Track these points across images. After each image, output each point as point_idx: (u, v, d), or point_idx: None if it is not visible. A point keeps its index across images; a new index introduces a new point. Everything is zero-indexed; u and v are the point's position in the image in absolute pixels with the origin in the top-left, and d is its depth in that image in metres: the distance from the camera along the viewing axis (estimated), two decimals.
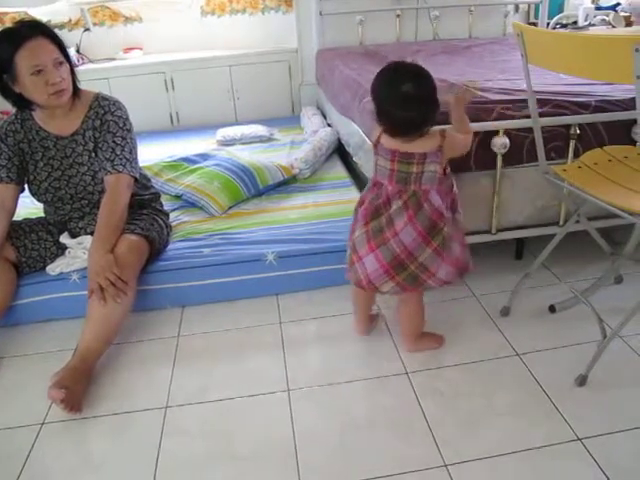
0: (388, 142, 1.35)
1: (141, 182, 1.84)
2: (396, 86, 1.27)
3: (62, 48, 1.60)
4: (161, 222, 1.88)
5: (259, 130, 3.06)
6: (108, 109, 1.70)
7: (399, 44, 3.34)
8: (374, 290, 1.44)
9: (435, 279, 1.40)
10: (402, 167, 1.33)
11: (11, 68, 1.52)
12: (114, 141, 1.68)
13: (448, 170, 1.39)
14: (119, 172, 1.68)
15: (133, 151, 1.75)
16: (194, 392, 1.45)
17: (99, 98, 1.72)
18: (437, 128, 1.35)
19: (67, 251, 1.77)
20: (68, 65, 1.62)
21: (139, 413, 1.40)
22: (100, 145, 1.69)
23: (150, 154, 2.64)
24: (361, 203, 1.44)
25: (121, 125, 1.70)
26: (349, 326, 1.67)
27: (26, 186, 1.75)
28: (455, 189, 1.42)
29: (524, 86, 1.50)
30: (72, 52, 3.17)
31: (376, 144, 1.38)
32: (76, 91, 1.67)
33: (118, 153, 1.68)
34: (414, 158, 1.32)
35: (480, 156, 1.66)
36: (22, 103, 1.62)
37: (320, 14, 3.24)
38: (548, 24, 3.31)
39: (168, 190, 2.32)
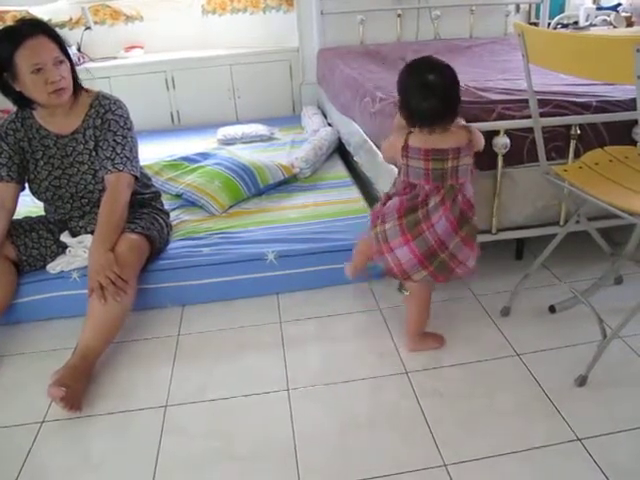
0: (417, 142, 1.35)
1: (142, 181, 1.84)
2: (421, 75, 1.31)
3: (62, 47, 1.60)
4: (161, 221, 1.88)
5: (260, 129, 3.06)
6: (109, 108, 1.70)
7: (400, 44, 3.34)
8: (406, 279, 1.45)
9: (463, 267, 1.43)
10: (437, 164, 1.34)
11: (11, 66, 1.52)
12: (115, 140, 1.68)
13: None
14: (119, 171, 1.68)
15: (134, 150, 1.75)
16: (194, 391, 1.46)
17: (100, 97, 1.72)
18: (460, 123, 1.40)
19: (67, 250, 1.77)
20: (69, 64, 1.62)
21: (139, 412, 1.40)
22: (101, 144, 1.69)
23: (150, 153, 2.64)
24: (388, 198, 1.45)
25: (122, 124, 1.70)
26: (349, 325, 1.67)
27: (26, 185, 1.75)
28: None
29: (525, 86, 1.50)
30: (73, 51, 3.18)
31: (405, 147, 1.36)
32: (77, 90, 1.67)
33: (119, 152, 1.68)
34: (448, 154, 1.34)
35: (481, 156, 1.65)
36: (22, 101, 1.62)
37: (321, 13, 3.25)
38: (549, 24, 3.31)
39: (168, 189, 2.32)
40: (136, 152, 1.77)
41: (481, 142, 1.43)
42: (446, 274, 1.43)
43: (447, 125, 1.34)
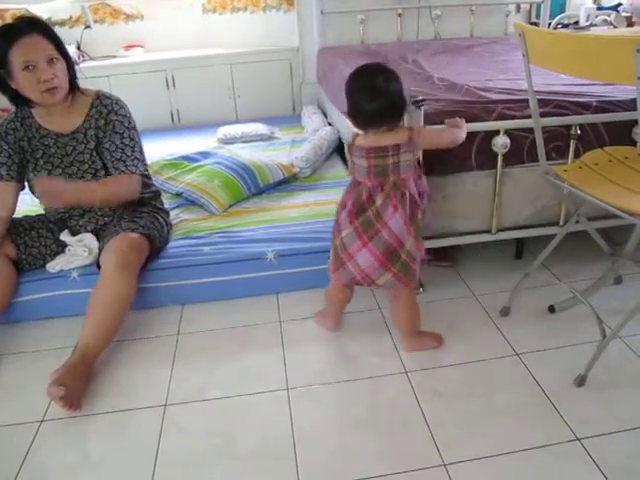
0: (362, 141, 1.41)
1: (142, 180, 1.84)
2: (366, 79, 1.37)
3: (59, 45, 1.59)
4: (161, 220, 1.88)
5: (260, 129, 3.06)
6: (112, 108, 1.70)
7: (400, 43, 3.34)
8: (370, 284, 1.46)
9: (416, 263, 1.45)
10: (378, 161, 1.38)
11: (6, 64, 1.53)
12: (122, 142, 1.70)
13: (420, 160, 1.49)
14: (132, 173, 1.71)
15: (141, 150, 1.78)
16: (193, 390, 1.46)
17: (100, 96, 1.71)
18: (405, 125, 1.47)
19: (67, 249, 1.77)
20: (65, 63, 1.61)
21: (138, 411, 1.40)
22: (107, 145, 1.69)
23: (150, 152, 2.60)
24: (343, 205, 1.47)
25: (126, 124, 1.71)
26: (349, 325, 1.67)
27: (26, 184, 1.75)
28: (426, 186, 1.48)
29: (525, 86, 1.50)
30: (72, 49, 3.17)
31: (350, 145, 1.43)
32: (74, 89, 1.66)
33: (129, 154, 1.70)
34: (388, 150, 1.37)
35: (481, 156, 1.66)
36: (19, 99, 1.62)
37: (321, 13, 3.24)
38: (549, 24, 3.31)
39: (168, 188, 2.32)
40: (143, 151, 1.80)
41: (438, 140, 1.46)
42: (410, 277, 1.43)
43: (392, 125, 1.39)
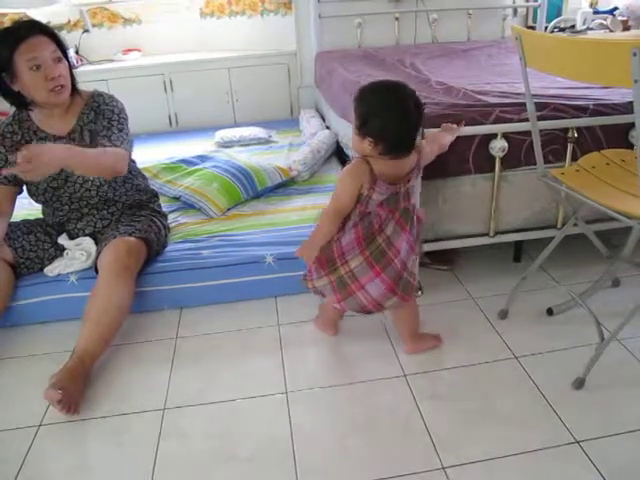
0: (382, 171, 1.28)
1: (140, 183, 1.84)
2: (400, 103, 1.24)
3: (61, 46, 1.60)
4: (159, 224, 1.88)
5: (258, 132, 3.06)
6: (102, 101, 1.71)
7: (398, 47, 3.35)
8: (380, 309, 1.43)
9: (414, 276, 1.44)
10: (392, 190, 1.31)
11: (10, 66, 1.53)
12: (110, 123, 1.68)
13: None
14: (116, 146, 1.64)
15: (128, 135, 1.72)
16: (192, 394, 1.45)
17: (95, 95, 1.72)
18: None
19: (65, 252, 1.76)
20: (67, 63, 1.62)
21: (137, 415, 1.39)
22: (96, 128, 1.68)
23: (149, 155, 2.64)
24: (338, 239, 1.36)
25: (117, 112, 1.70)
26: (347, 328, 1.67)
27: (24, 187, 1.75)
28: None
29: (522, 89, 1.50)
30: (71, 53, 3.17)
31: (373, 180, 1.27)
32: (75, 90, 1.67)
33: (115, 132, 1.67)
34: (401, 179, 1.31)
35: (478, 159, 1.67)
36: (21, 102, 1.62)
37: (319, 17, 3.25)
38: (546, 28, 3.33)
39: (166, 192, 2.32)
40: (129, 137, 1.73)
41: (430, 156, 1.43)
42: (410, 292, 1.43)
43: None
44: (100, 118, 1.68)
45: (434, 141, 1.49)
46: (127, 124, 1.74)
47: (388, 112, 1.23)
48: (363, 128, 1.25)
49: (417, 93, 1.28)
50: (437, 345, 1.56)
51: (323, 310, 1.63)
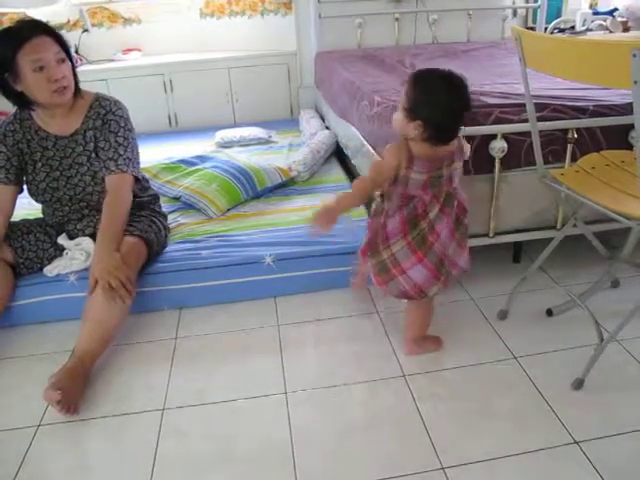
0: (420, 153, 1.30)
1: (140, 183, 1.84)
2: (461, 99, 1.25)
3: (64, 46, 1.60)
4: (159, 224, 1.88)
5: (257, 132, 3.06)
6: (109, 109, 1.70)
7: (398, 47, 3.35)
8: (423, 297, 1.43)
9: (457, 268, 1.45)
10: (435, 173, 1.31)
11: (13, 66, 1.52)
12: (116, 141, 1.69)
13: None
14: (123, 172, 1.68)
15: (135, 151, 1.75)
16: (191, 394, 1.45)
17: (99, 98, 1.72)
18: None
19: (65, 252, 1.76)
20: (70, 64, 1.62)
21: (136, 415, 1.39)
22: (102, 145, 1.69)
23: (148, 156, 2.62)
24: (386, 218, 1.38)
25: (122, 124, 1.70)
26: (347, 329, 1.67)
27: (25, 187, 1.75)
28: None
29: (522, 90, 1.50)
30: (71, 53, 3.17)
31: (410, 159, 1.29)
32: (77, 91, 1.67)
33: (121, 153, 1.68)
34: (444, 161, 1.31)
35: (478, 160, 1.67)
36: (23, 102, 1.62)
37: (319, 17, 3.25)
38: (546, 29, 3.33)
39: (166, 192, 2.32)
40: (137, 153, 1.78)
41: (467, 149, 1.42)
42: (450, 280, 1.44)
43: None
44: (106, 131, 1.68)
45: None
46: (133, 135, 1.75)
47: (446, 101, 1.24)
48: (415, 112, 1.25)
49: None
50: (437, 349, 1.56)
51: (359, 271, 1.62)
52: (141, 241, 1.71)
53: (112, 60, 3.43)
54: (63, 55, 1.58)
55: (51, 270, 1.74)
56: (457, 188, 1.38)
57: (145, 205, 1.89)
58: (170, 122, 3.49)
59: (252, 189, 2.30)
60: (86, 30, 3.41)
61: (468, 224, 1.43)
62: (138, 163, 1.78)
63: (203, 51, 3.55)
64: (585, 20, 3.14)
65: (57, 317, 1.76)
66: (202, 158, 2.54)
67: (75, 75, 1.65)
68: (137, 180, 1.77)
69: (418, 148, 1.30)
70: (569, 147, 1.68)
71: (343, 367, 1.52)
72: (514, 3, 3.55)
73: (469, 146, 1.45)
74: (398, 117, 1.30)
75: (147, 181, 1.96)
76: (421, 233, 1.35)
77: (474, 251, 1.89)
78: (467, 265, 1.47)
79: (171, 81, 3.40)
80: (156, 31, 3.52)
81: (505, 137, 1.64)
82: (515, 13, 3.57)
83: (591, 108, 1.69)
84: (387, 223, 1.38)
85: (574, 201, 1.45)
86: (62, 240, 1.76)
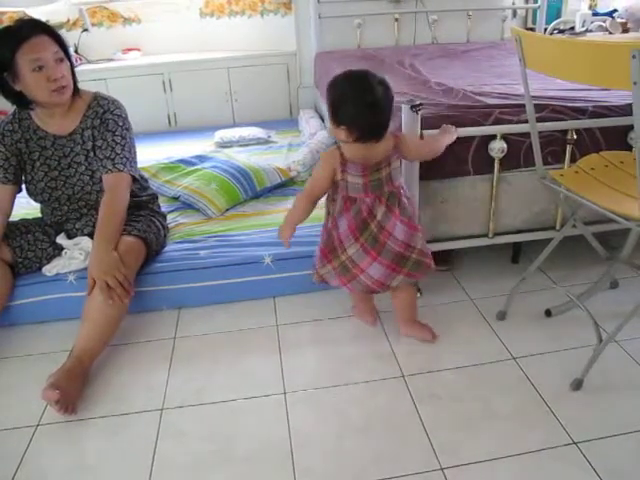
0: (353, 156, 1.36)
1: (139, 183, 1.84)
2: (370, 91, 1.29)
3: (63, 46, 1.60)
4: (158, 224, 1.88)
5: (257, 132, 3.06)
6: (107, 108, 1.70)
7: (397, 48, 3.35)
8: (386, 289, 1.50)
9: (429, 258, 1.50)
10: (374, 176, 1.38)
11: (12, 66, 1.52)
12: (114, 140, 1.68)
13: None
14: (120, 171, 1.68)
15: (132, 150, 1.75)
16: (190, 394, 1.45)
17: (98, 97, 1.72)
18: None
19: (64, 252, 1.76)
20: (69, 63, 1.62)
21: (135, 415, 1.39)
22: (99, 144, 1.68)
23: (148, 155, 2.63)
24: (334, 223, 1.45)
25: (120, 124, 1.70)
26: (346, 329, 1.67)
27: (23, 186, 1.75)
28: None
29: (521, 91, 1.50)
30: (70, 52, 3.17)
31: (343, 162, 1.36)
32: (76, 90, 1.67)
33: (118, 152, 1.68)
34: (382, 163, 1.37)
35: (478, 160, 1.67)
36: (22, 102, 1.62)
37: (319, 17, 3.25)
38: (545, 29, 3.33)
39: (165, 192, 2.32)
40: (134, 153, 1.77)
41: (426, 150, 1.48)
42: (423, 269, 1.49)
43: (383, 135, 1.35)
44: (104, 130, 1.68)
45: (427, 143, 1.52)
46: (130, 135, 1.74)
47: (358, 100, 1.28)
48: (336, 117, 1.32)
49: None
50: (429, 339, 1.58)
51: (354, 298, 1.70)
52: (140, 241, 1.71)
53: (111, 60, 3.43)
54: (62, 55, 1.58)
55: (50, 269, 1.74)
56: (400, 187, 1.43)
57: (144, 205, 1.88)
58: (169, 122, 3.49)
59: (251, 189, 2.30)
60: (86, 29, 3.41)
61: (409, 202, 1.45)
62: (135, 163, 1.77)
63: (203, 51, 3.54)
64: (585, 21, 3.14)
65: (56, 317, 1.76)
66: (201, 158, 2.54)
67: (74, 75, 1.65)
68: (135, 180, 1.77)
69: (352, 152, 1.36)
70: (568, 148, 1.68)
71: (342, 367, 1.52)
72: (514, 4, 3.55)
73: (453, 127, 1.52)
74: (330, 126, 1.38)
75: (146, 181, 1.96)
76: (372, 234, 1.42)
77: (473, 251, 1.90)
78: (429, 256, 1.50)
79: (170, 81, 3.40)
80: (156, 31, 3.51)
81: (504, 138, 1.64)
82: (515, 14, 3.57)
83: (590, 109, 1.69)
84: (338, 225, 1.44)
85: (573, 202, 1.45)
86: (61, 239, 1.76)
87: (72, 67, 1.64)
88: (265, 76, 3.47)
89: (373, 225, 1.41)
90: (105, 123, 1.68)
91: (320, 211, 2.14)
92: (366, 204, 1.40)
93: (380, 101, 1.29)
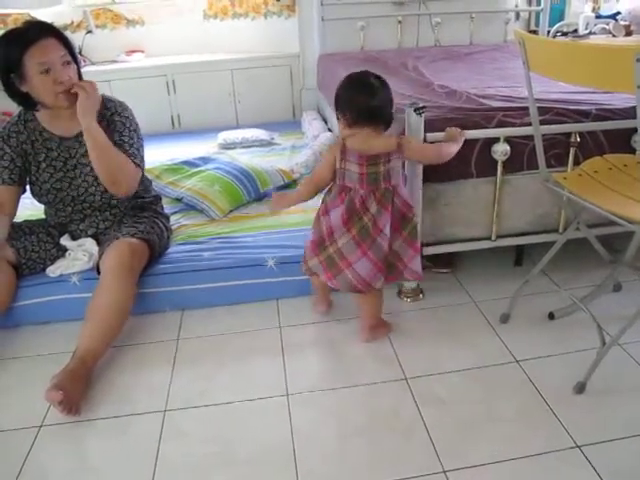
0: (354, 145, 1.43)
1: (142, 184, 1.84)
2: (362, 79, 1.44)
3: (70, 48, 1.61)
4: (161, 225, 1.88)
5: (260, 134, 3.07)
6: (114, 110, 1.71)
7: (400, 50, 3.36)
8: (369, 290, 1.51)
9: (408, 271, 1.54)
10: (371, 169, 1.42)
11: (19, 68, 1.53)
12: (121, 139, 1.69)
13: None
14: (135, 163, 1.69)
15: (141, 149, 1.76)
16: (193, 396, 1.45)
17: (104, 100, 1.72)
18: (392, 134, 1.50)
19: (67, 253, 1.77)
20: (75, 66, 1.62)
21: (138, 416, 1.39)
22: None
23: (151, 157, 2.60)
24: (325, 211, 1.50)
25: (128, 125, 1.71)
26: (349, 331, 1.67)
27: (28, 187, 1.75)
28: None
29: (525, 93, 1.51)
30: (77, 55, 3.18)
31: (343, 149, 1.45)
32: None
33: (127, 149, 1.69)
34: (380, 158, 1.42)
35: (481, 163, 1.67)
36: (28, 103, 1.63)
37: (322, 19, 3.26)
38: (548, 32, 3.33)
39: (169, 193, 2.33)
40: (143, 152, 1.78)
41: (429, 154, 1.53)
42: (395, 275, 1.53)
43: (378, 128, 1.43)
44: (112, 130, 1.69)
45: (432, 145, 1.55)
46: (138, 135, 1.75)
47: (353, 88, 1.44)
48: (337, 110, 1.46)
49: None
50: (390, 332, 1.62)
51: (314, 288, 1.73)
52: (143, 243, 1.71)
53: (115, 61, 3.44)
54: (69, 57, 1.59)
55: (54, 271, 1.74)
56: (398, 187, 1.46)
57: (147, 206, 1.89)
58: (173, 123, 3.50)
59: (254, 191, 2.30)
60: (90, 31, 3.42)
61: (417, 222, 1.52)
62: (143, 159, 1.78)
63: (206, 53, 3.55)
64: (588, 24, 3.14)
65: (59, 318, 1.76)
66: (204, 159, 2.54)
67: (80, 77, 1.65)
68: (139, 181, 1.77)
69: (352, 142, 1.44)
70: (572, 151, 1.68)
71: (345, 369, 1.52)
72: (517, 6, 3.55)
73: (459, 130, 1.56)
74: (338, 125, 1.49)
75: (150, 182, 1.96)
76: (365, 227, 1.45)
77: (476, 254, 1.89)
78: (420, 272, 1.54)
79: (174, 82, 3.41)
80: (159, 32, 3.52)
81: (508, 140, 1.65)
82: (518, 16, 3.57)
83: (594, 112, 1.69)
84: (330, 215, 1.48)
85: (577, 205, 1.45)
86: (65, 241, 1.77)
87: (79, 70, 1.65)
88: (268, 78, 3.48)
89: (367, 218, 1.44)
90: (112, 124, 1.69)
91: None
92: (360, 196, 1.44)
93: (372, 87, 1.41)
